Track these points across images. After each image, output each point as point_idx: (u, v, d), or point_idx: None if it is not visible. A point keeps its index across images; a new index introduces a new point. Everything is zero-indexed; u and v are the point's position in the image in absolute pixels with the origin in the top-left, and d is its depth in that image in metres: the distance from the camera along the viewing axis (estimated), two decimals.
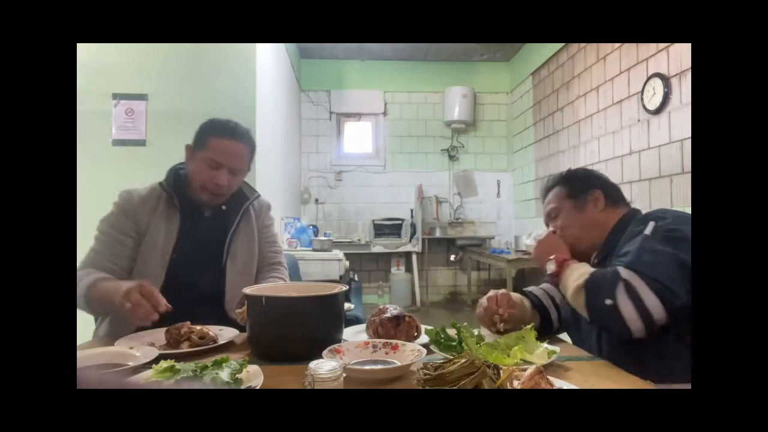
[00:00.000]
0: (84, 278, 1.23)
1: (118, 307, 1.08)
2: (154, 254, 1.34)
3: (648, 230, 1.05)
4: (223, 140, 1.36)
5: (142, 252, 1.34)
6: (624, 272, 0.97)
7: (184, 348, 1.05)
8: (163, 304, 1.09)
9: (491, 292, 1.22)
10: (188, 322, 1.10)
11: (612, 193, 1.27)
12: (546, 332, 1.22)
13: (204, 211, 1.44)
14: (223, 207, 1.45)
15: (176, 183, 1.41)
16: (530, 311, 1.28)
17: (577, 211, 1.25)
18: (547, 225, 1.34)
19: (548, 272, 1.19)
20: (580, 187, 1.27)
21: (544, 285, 1.36)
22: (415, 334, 1.12)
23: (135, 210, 1.36)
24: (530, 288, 1.36)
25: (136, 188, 1.42)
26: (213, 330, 1.18)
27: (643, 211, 1.21)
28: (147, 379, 0.81)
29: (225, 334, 1.16)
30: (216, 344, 1.09)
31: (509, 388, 0.70)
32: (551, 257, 1.18)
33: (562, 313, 1.30)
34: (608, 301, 0.97)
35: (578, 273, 1.08)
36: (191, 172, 1.40)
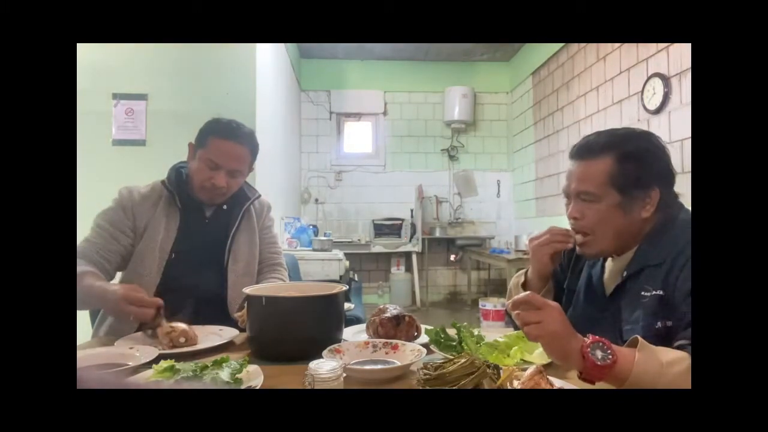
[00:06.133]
0: None
1: (111, 314, 1.14)
2: (151, 252, 1.33)
3: None
4: (223, 141, 1.35)
5: (139, 250, 1.33)
6: None
7: (164, 344, 1.04)
8: (153, 302, 1.11)
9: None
10: (166, 323, 1.09)
11: (670, 194, 0.95)
12: None
13: (205, 210, 1.43)
14: (224, 206, 1.44)
15: (177, 181, 1.40)
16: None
17: (621, 211, 0.93)
18: (568, 197, 1.01)
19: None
20: (640, 178, 0.92)
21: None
22: (415, 334, 1.12)
23: (134, 207, 1.36)
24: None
25: (137, 185, 1.42)
26: (213, 330, 1.18)
27: None
28: (147, 379, 0.81)
29: (225, 334, 1.16)
30: (197, 348, 1.05)
31: (509, 388, 0.70)
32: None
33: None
34: None
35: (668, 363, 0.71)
36: (191, 171, 1.39)
